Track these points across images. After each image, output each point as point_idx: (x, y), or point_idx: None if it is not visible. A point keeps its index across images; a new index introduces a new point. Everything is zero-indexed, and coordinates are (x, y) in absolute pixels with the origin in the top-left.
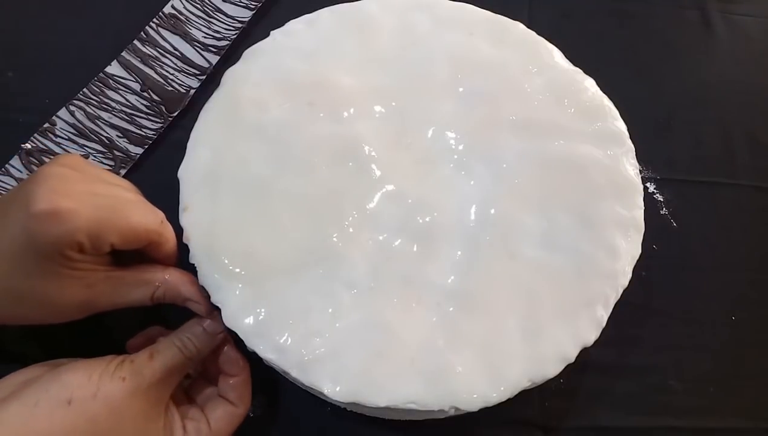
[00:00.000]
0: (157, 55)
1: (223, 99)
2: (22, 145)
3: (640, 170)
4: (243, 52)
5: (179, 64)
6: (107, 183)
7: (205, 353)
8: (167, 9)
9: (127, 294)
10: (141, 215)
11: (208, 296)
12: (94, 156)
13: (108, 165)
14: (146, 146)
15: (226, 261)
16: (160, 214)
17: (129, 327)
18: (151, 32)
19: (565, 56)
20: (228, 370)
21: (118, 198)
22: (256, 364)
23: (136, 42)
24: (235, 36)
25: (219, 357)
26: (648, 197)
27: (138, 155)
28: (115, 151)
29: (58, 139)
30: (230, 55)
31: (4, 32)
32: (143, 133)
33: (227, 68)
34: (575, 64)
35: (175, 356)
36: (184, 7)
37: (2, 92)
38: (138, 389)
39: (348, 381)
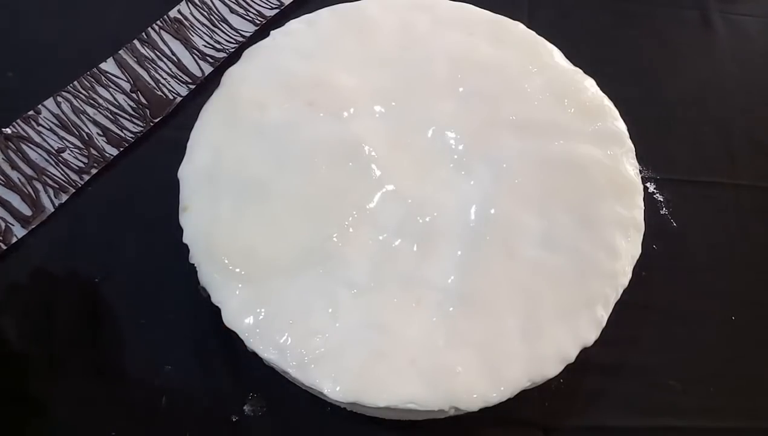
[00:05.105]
0: (154, 57)
1: (223, 99)
2: (2, 129)
3: (640, 170)
4: (243, 51)
5: (174, 69)
6: None
7: None
8: (173, 13)
9: None
10: None
11: None
12: (71, 151)
13: (82, 162)
14: (122, 148)
15: (226, 261)
16: None
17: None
18: (153, 34)
19: (565, 56)
20: None
21: None
22: (255, 364)
23: (135, 42)
24: (233, 49)
25: None
26: (648, 197)
27: (112, 157)
28: (91, 150)
29: (39, 129)
30: (226, 61)
31: (4, 32)
32: (122, 135)
33: (225, 71)
34: (575, 64)
35: None
36: (191, 13)
37: (2, 92)
38: None
39: (348, 381)
